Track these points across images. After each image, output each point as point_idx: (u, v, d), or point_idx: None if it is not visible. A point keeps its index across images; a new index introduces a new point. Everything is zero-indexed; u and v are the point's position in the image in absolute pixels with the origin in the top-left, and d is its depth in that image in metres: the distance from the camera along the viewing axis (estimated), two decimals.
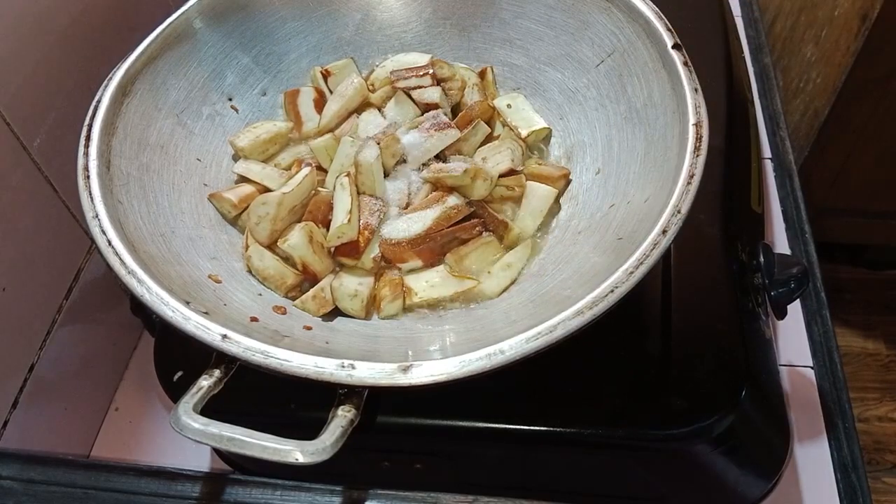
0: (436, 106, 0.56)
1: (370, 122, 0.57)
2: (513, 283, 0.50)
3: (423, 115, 0.56)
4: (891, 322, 1.33)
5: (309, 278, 0.50)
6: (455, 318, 0.49)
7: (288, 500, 0.43)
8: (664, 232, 0.40)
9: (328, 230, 0.50)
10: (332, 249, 0.50)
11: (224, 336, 0.39)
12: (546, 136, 0.58)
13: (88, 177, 0.46)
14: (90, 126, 0.48)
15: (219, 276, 0.48)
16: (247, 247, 0.50)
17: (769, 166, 0.80)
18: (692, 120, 0.45)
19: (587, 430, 0.47)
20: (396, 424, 0.48)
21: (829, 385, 0.62)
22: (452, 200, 0.51)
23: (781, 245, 0.73)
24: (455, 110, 0.58)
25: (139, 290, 0.41)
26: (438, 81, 0.57)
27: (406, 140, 0.53)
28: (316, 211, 0.51)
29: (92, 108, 0.49)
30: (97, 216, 0.44)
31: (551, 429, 0.47)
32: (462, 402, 0.48)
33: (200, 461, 0.59)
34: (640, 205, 0.46)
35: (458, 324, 0.48)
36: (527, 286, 0.49)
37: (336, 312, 0.49)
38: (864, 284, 1.37)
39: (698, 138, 0.44)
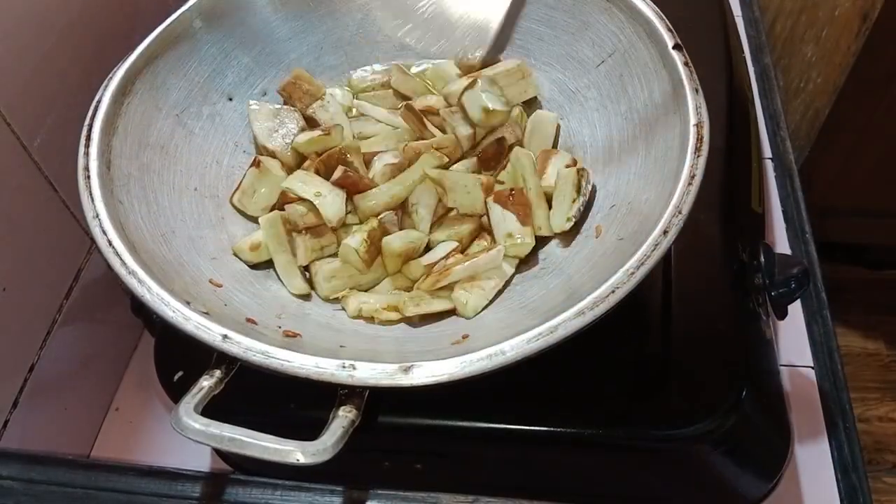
0: None
1: None
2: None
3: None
4: (891, 322, 1.33)
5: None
6: (457, 319, 0.49)
7: (288, 500, 0.43)
8: (665, 233, 0.40)
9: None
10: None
11: (224, 336, 0.39)
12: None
13: (89, 177, 0.46)
14: (90, 126, 0.48)
15: (219, 277, 0.48)
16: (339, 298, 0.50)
17: (770, 166, 0.80)
18: (693, 120, 0.45)
19: (587, 431, 0.47)
20: (397, 425, 0.48)
21: (829, 385, 0.62)
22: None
23: (782, 245, 0.73)
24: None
25: (140, 290, 0.41)
26: None
27: None
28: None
29: (92, 107, 0.49)
30: (98, 216, 0.44)
31: (551, 429, 0.47)
32: (463, 403, 0.48)
33: (201, 461, 0.59)
34: (641, 205, 0.46)
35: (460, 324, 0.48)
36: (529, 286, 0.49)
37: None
38: (865, 284, 1.37)
39: (699, 139, 0.44)
